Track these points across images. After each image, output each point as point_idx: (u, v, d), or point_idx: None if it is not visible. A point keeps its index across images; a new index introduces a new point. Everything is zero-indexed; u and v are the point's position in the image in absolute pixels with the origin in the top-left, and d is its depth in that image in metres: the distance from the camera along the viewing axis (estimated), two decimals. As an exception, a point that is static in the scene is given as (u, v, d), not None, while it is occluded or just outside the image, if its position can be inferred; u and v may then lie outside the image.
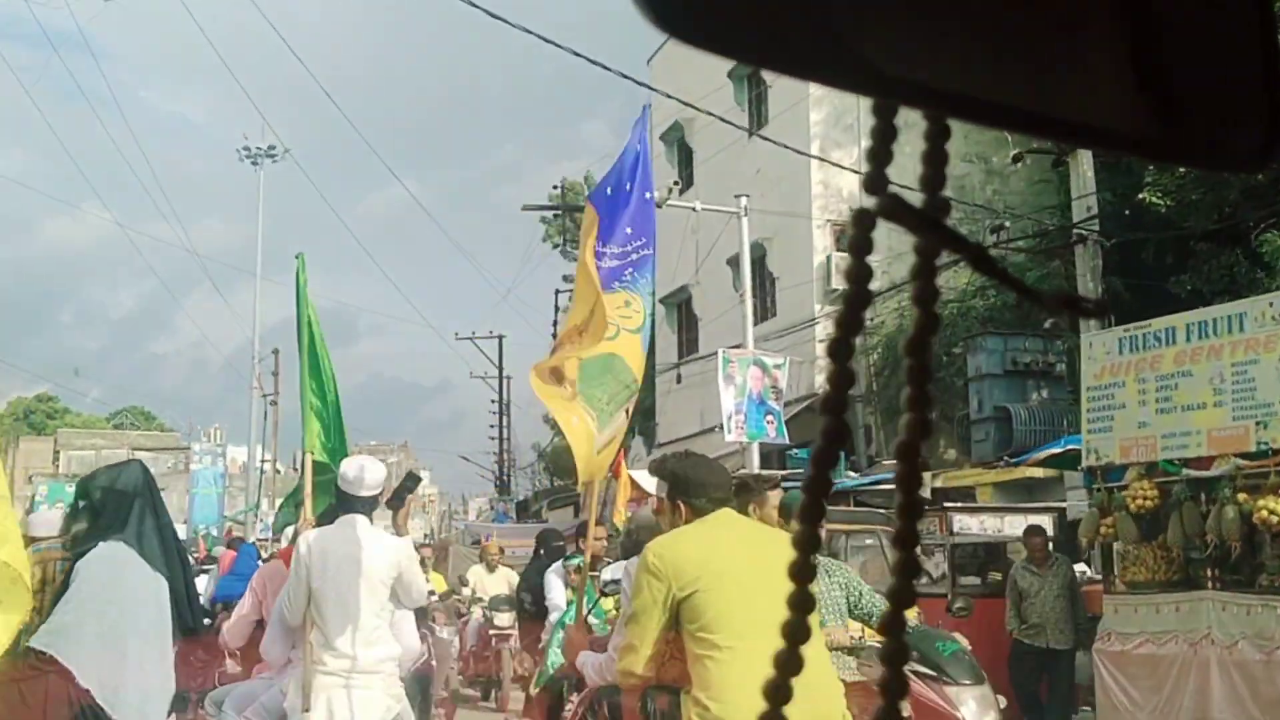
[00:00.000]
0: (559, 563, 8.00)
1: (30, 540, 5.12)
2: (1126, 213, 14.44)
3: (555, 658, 6.12)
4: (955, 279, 15.09)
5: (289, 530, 11.06)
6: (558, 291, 30.29)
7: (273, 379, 36.52)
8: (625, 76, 9.32)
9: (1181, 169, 13.10)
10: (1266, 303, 7.67)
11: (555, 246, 33.30)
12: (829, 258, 18.59)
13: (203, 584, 11.94)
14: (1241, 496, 7.30)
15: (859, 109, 19.29)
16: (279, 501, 18.62)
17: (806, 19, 0.48)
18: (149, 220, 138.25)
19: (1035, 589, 9.15)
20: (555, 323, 28.47)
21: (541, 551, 8.99)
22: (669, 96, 10.66)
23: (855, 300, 0.61)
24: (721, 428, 18.22)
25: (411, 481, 5.34)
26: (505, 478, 35.40)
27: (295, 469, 22.99)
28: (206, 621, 9.90)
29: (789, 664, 0.69)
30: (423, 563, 9.74)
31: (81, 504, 4.64)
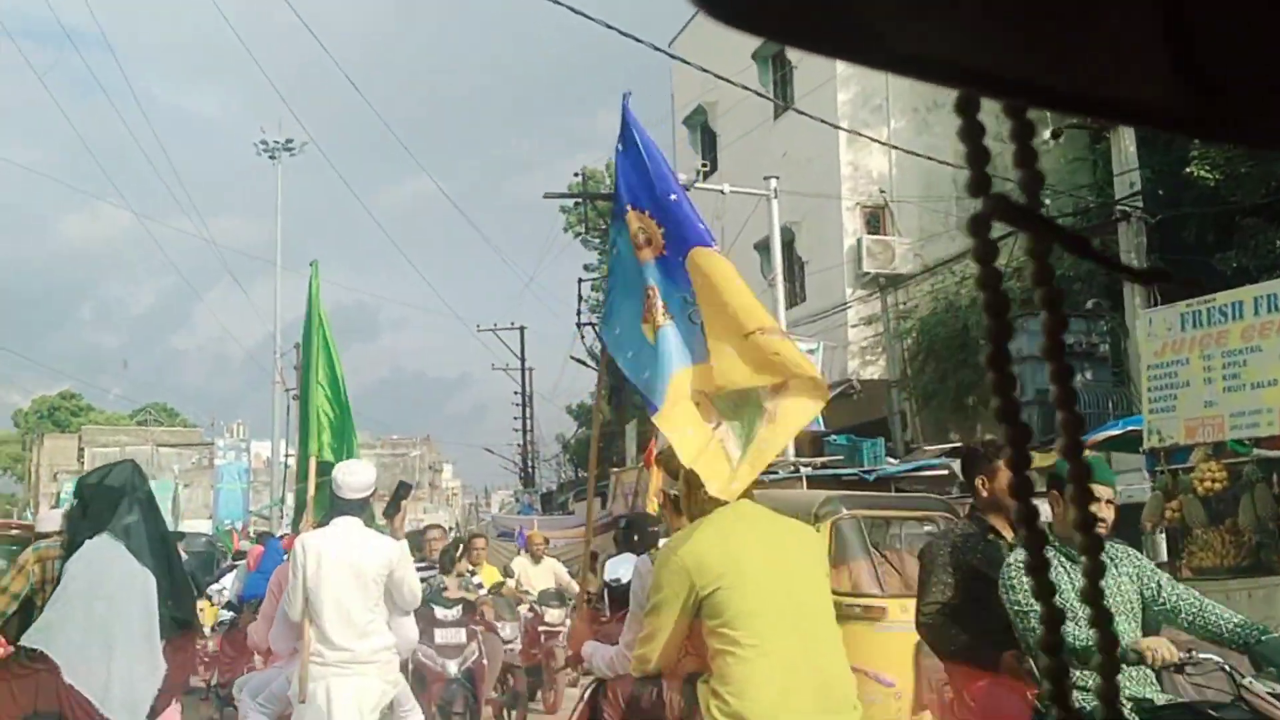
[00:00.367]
0: (645, 558, 7.09)
1: (37, 536, 5.42)
2: (1161, 192, 14.03)
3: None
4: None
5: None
6: (580, 280, 30.03)
7: (295, 373, 36.33)
8: (656, 49, 8.99)
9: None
10: (1341, 273, 7.32)
11: (576, 236, 33.05)
12: (859, 241, 18.23)
13: (229, 581, 11.78)
14: (1318, 477, 6.97)
15: (887, 90, 18.93)
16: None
17: None
18: (168, 216, 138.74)
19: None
20: (579, 312, 28.18)
21: (636, 537, 8.09)
22: (703, 70, 10.30)
23: (994, 306, 0.61)
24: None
25: (404, 489, 5.68)
26: (530, 470, 35.21)
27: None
28: (230, 615, 9.79)
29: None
30: (476, 555, 9.38)
31: (75, 502, 4.79)
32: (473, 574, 8.32)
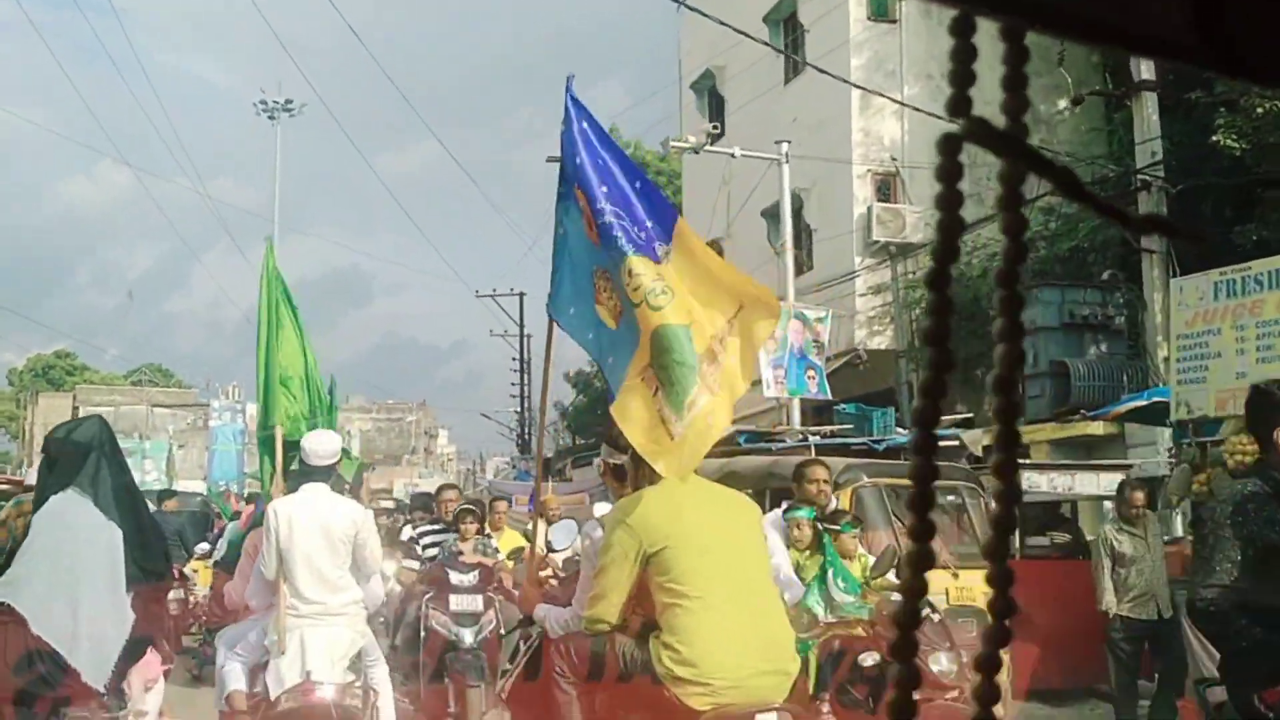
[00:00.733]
0: (777, 513, 5.83)
1: (25, 491, 5.54)
2: (1174, 162, 13.70)
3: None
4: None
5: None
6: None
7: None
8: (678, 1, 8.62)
9: (1259, 110, 12.38)
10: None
11: (579, 201, 32.66)
12: (870, 209, 17.89)
13: (224, 544, 11.53)
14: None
15: (901, 55, 18.55)
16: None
17: None
18: (168, 178, 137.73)
19: (1139, 553, 7.91)
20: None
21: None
22: (721, 24, 9.93)
23: (949, 227, 0.61)
24: (756, 384, 17.73)
25: (365, 470, 5.73)
26: (527, 436, 35.01)
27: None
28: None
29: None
30: (497, 519, 8.95)
31: (42, 458, 4.91)
32: (489, 538, 7.92)
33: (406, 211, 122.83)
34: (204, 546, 12.17)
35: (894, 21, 18.44)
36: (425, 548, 7.79)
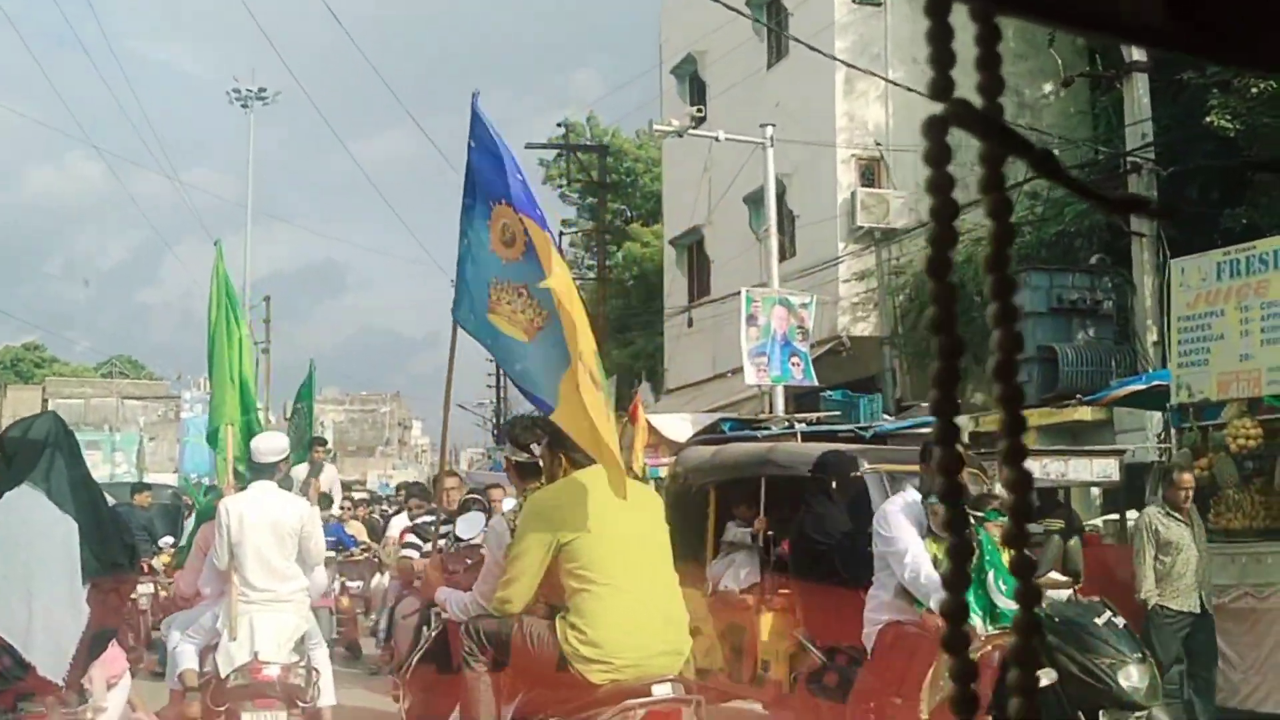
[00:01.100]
0: (903, 495, 5.39)
1: None
2: (1163, 146, 13.55)
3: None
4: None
5: (300, 469, 10.31)
6: (560, 234, 29.37)
7: (264, 326, 35.66)
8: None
9: (1253, 90, 12.22)
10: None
11: (556, 189, 32.40)
12: (854, 194, 17.67)
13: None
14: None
15: (885, 39, 18.31)
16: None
17: None
18: (140, 169, 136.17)
19: (1185, 541, 7.09)
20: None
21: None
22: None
23: (943, 211, 0.61)
24: (736, 372, 17.49)
25: (315, 469, 7.22)
26: (502, 427, 34.72)
27: (286, 418, 22.20)
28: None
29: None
30: (494, 508, 8.69)
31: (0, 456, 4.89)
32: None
33: (385, 198, 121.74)
34: (168, 540, 11.87)
35: (878, 4, 18.21)
36: (441, 536, 7.53)
